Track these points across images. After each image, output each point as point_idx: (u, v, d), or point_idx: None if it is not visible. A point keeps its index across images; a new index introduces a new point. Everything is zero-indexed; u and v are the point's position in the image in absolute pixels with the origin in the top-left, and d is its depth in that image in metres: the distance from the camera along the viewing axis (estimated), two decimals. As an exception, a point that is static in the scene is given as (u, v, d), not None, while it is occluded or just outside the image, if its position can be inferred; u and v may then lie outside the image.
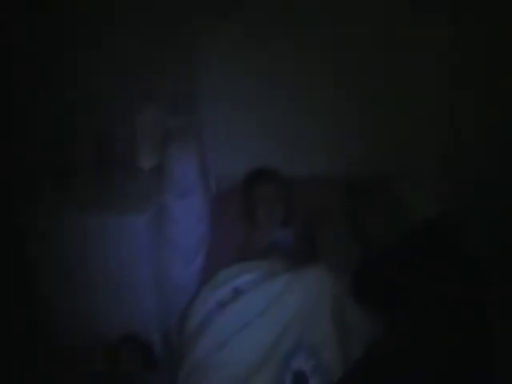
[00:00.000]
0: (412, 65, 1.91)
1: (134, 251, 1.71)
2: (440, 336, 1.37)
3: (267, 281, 1.49)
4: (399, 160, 2.00)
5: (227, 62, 1.92)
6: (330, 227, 1.77)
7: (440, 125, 1.97)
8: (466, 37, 1.84)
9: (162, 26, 1.80)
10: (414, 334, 1.36)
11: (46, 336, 1.81)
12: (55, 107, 1.92)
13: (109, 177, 1.86)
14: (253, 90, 1.95)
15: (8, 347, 1.76)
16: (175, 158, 1.70)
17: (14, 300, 1.81)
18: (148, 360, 1.74)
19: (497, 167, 1.96)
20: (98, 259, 1.74)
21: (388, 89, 1.93)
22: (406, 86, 1.92)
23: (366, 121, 1.99)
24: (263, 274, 1.54)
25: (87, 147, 1.87)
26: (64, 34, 1.84)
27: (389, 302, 1.45)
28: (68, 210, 1.75)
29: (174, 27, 1.81)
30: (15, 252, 1.75)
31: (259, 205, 1.83)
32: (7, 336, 1.78)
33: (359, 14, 1.85)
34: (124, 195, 1.79)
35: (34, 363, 1.78)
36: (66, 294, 1.78)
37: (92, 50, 1.84)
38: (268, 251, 1.77)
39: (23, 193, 1.82)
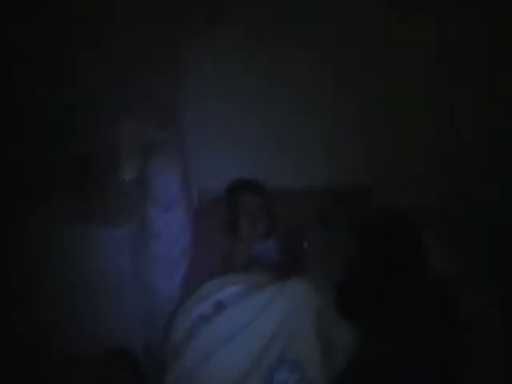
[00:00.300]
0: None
1: (118, 264, 1.71)
2: (437, 335, 1.38)
3: (251, 294, 1.49)
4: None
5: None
6: (315, 240, 1.75)
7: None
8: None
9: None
10: (413, 334, 1.38)
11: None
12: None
13: (92, 188, 1.85)
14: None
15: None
16: (157, 170, 1.69)
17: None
18: (137, 376, 1.71)
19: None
20: (80, 271, 1.73)
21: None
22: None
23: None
24: (247, 286, 1.54)
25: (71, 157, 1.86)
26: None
27: (377, 310, 1.46)
28: (52, 220, 1.73)
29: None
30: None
31: (242, 216, 1.84)
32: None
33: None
34: (107, 207, 1.77)
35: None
36: (50, 305, 1.77)
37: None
38: (250, 263, 1.77)
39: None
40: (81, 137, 1.89)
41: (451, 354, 1.36)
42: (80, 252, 1.72)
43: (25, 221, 1.72)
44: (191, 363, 1.40)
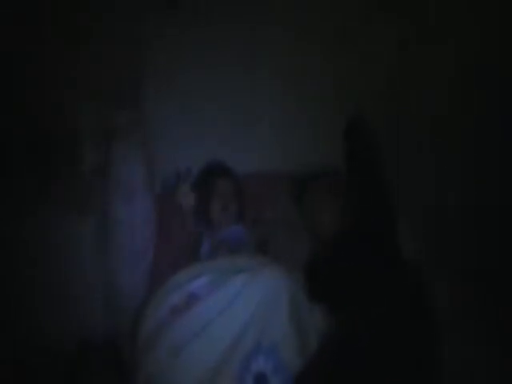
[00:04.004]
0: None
1: (80, 254, 1.66)
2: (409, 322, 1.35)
3: (223, 283, 1.46)
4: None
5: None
6: (283, 225, 1.75)
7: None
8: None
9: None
10: (384, 319, 1.35)
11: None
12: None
13: (52, 176, 1.75)
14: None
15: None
16: (121, 157, 1.63)
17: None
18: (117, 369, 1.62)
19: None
20: (42, 261, 1.65)
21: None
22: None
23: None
24: (219, 275, 1.51)
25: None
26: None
27: (342, 295, 1.46)
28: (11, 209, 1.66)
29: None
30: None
31: (215, 200, 1.79)
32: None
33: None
34: (68, 196, 1.69)
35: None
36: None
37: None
38: (218, 247, 1.73)
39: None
40: (40, 121, 1.78)
41: (422, 340, 1.34)
42: (41, 242, 1.65)
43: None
44: (163, 358, 1.38)
